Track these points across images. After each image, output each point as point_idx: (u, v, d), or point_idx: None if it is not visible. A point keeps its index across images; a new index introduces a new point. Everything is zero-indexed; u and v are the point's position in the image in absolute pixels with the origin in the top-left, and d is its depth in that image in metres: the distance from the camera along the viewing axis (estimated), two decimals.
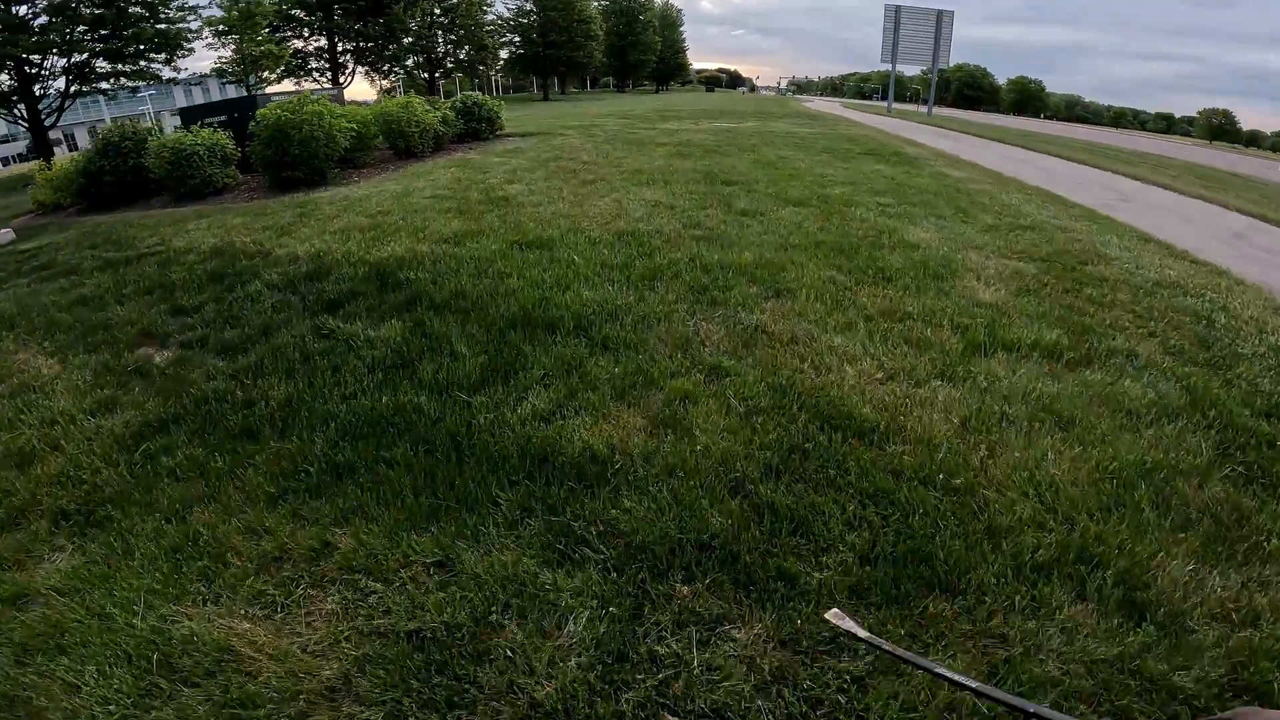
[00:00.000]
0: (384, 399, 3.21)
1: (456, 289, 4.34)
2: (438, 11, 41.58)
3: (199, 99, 37.87)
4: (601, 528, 2.33)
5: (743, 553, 2.15)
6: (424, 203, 6.81)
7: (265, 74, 23.43)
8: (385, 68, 35.24)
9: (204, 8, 21.53)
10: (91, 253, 6.29)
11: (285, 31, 31.34)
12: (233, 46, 21.88)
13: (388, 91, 67.51)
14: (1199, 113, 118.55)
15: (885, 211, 6.39)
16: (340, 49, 32.59)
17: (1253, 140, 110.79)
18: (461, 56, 42.00)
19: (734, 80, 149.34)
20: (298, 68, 31.75)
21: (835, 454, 2.64)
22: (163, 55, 21.74)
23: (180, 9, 21.05)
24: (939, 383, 3.23)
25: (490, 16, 45.94)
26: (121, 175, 9.33)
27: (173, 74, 23.28)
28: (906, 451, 2.66)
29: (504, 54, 50.72)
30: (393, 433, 2.97)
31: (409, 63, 40.22)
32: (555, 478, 2.60)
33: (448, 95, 55.38)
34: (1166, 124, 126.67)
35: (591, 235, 5.37)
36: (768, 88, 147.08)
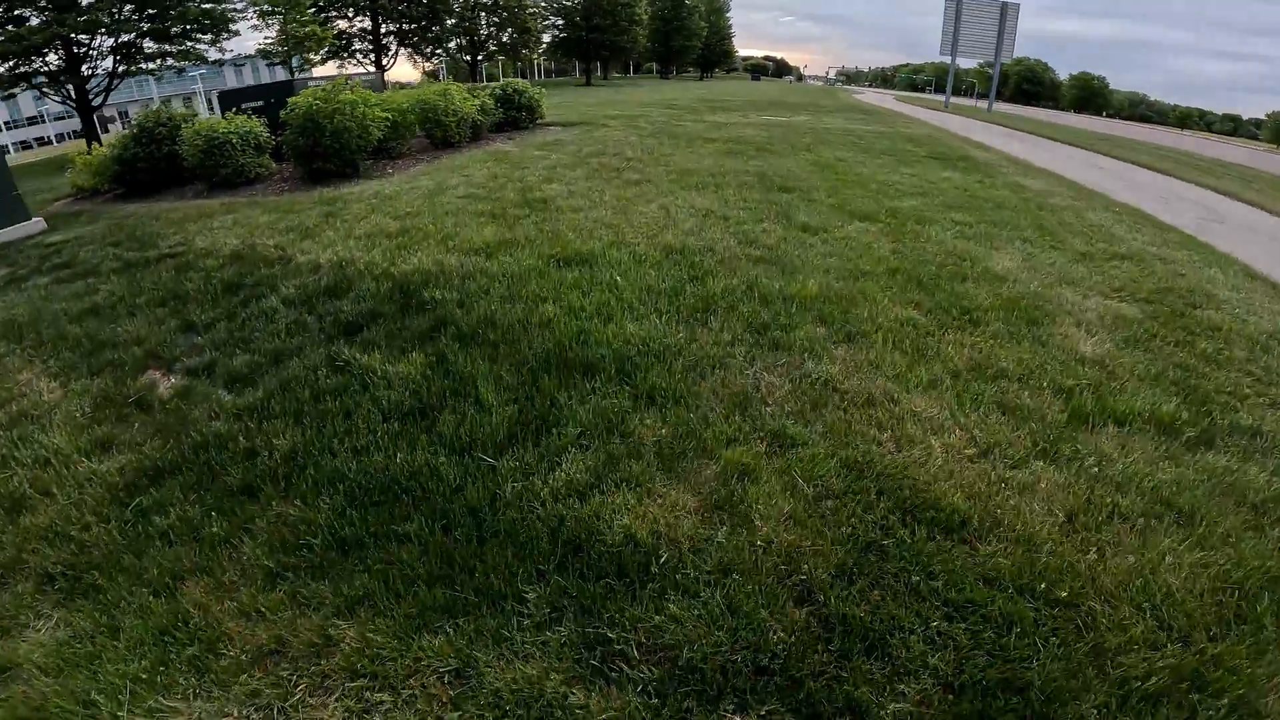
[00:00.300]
0: (399, 457, 2.80)
1: (485, 315, 3.89)
2: None
3: (249, 80, 38.33)
4: (643, 639, 1.97)
5: (807, 677, 1.84)
6: (456, 203, 6.39)
7: (309, 55, 23.33)
8: (428, 50, 35.06)
9: None
10: (113, 250, 6.02)
11: (330, 12, 31.36)
12: (277, 27, 21.82)
13: (431, 74, 67.81)
14: (1268, 115, 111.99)
15: (963, 232, 5.74)
16: (384, 30, 32.48)
17: None
18: (504, 39, 41.62)
19: (780, 69, 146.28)
20: (341, 49, 31.75)
21: (919, 553, 2.23)
22: (208, 36, 21.80)
23: None
24: (1040, 464, 2.72)
25: None
26: (156, 163, 9.11)
27: (218, 54, 23.39)
28: (1002, 552, 2.24)
29: (546, 37, 50.22)
30: (407, 501, 2.58)
31: (451, 45, 40.03)
32: (591, 571, 2.20)
33: (490, 78, 55.05)
34: (1233, 125, 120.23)
35: (637, 250, 4.87)
36: (815, 77, 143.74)
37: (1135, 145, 18.99)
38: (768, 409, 3.04)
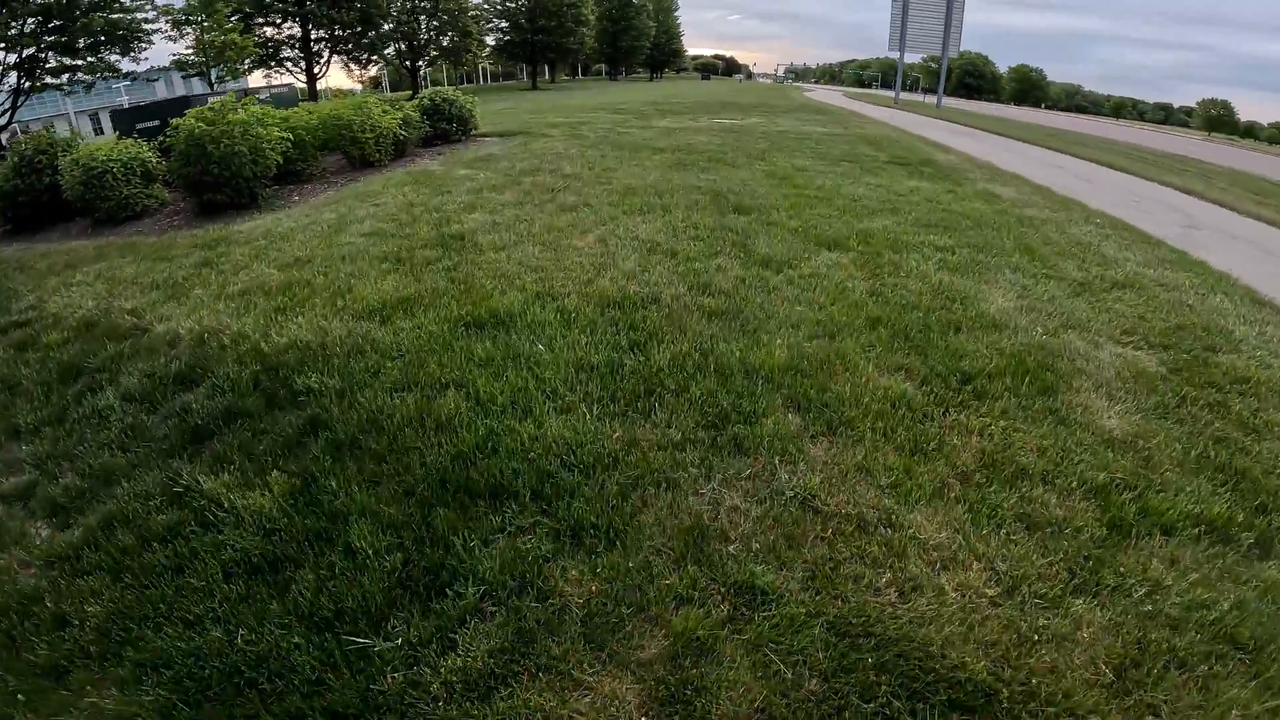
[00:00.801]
0: (241, 635, 2.03)
1: (370, 413, 3.03)
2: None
3: (180, 91, 36.02)
4: None
5: None
6: (358, 244, 5.46)
7: (230, 66, 21.80)
8: (364, 57, 33.53)
9: None
10: None
11: (257, 19, 29.66)
12: (192, 36, 20.26)
13: (372, 82, 65.57)
14: (1198, 103, 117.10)
15: (945, 261, 5.07)
16: (315, 37, 30.88)
17: (1249, 132, 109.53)
18: (445, 43, 40.20)
19: (730, 67, 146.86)
20: (268, 58, 30.06)
21: None
22: (116, 48, 20.14)
23: None
24: (1080, 601, 2.10)
25: (476, 0, 44.13)
26: (37, 195, 7.91)
27: (133, 66, 21.69)
28: None
29: (491, 40, 48.90)
30: (252, 698, 1.87)
31: (389, 51, 38.49)
32: None
33: (435, 83, 53.44)
34: (1164, 114, 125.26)
35: (566, 305, 4.05)
36: (765, 75, 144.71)
37: (1086, 140, 18.99)
38: (730, 547, 2.28)
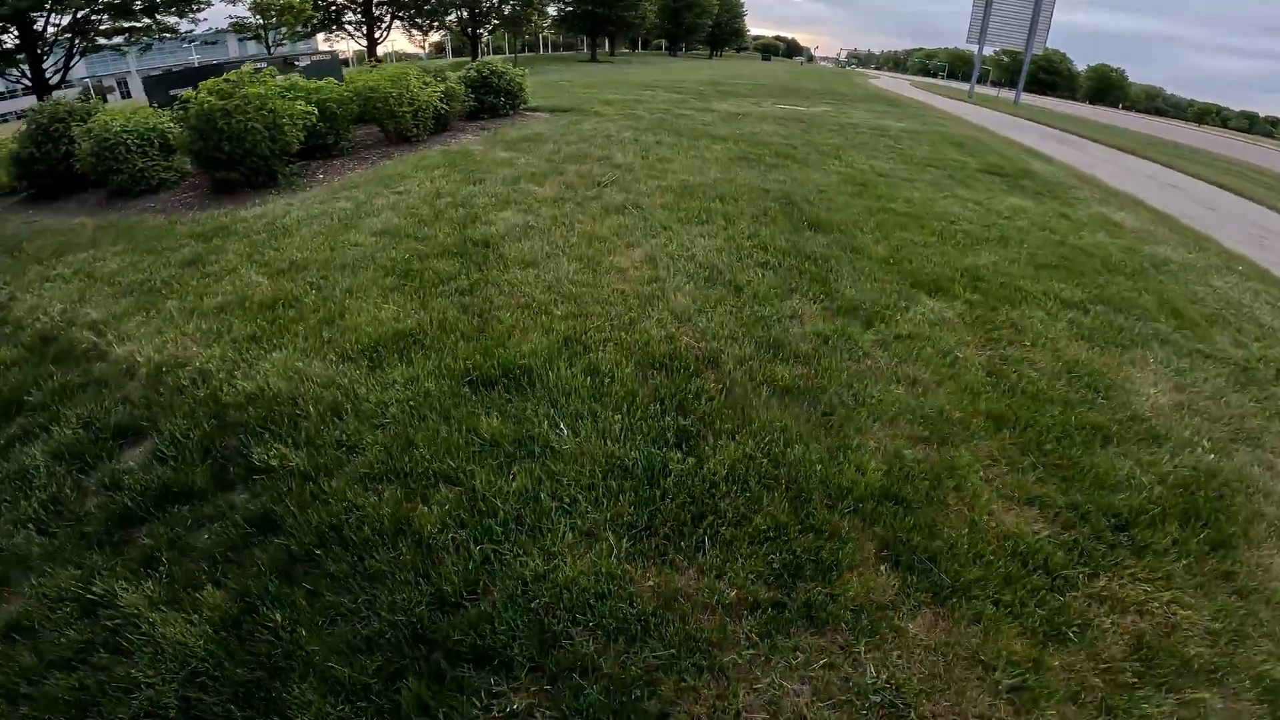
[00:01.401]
0: None
1: (336, 515, 2.21)
2: None
3: (253, 52, 35.84)
4: None
5: None
6: (367, 246, 4.60)
7: (286, 29, 21.17)
8: (424, 22, 32.67)
9: None
10: None
11: None
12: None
13: (436, 47, 64.76)
14: None
15: (1078, 325, 3.94)
16: (377, 1, 30.13)
17: None
18: (506, 12, 39.07)
19: (791, 49, 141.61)
20: (329, 21, 29.48)
21: None
22: (173, 9, 19.76)
23: None
24: None
25: None
26: (54, 164, 7.33)
27: (190, 27, 21.36)
28: None
29: (552, 10, 47.50)
30: None
31: (450, 17, 37.58)
32: None
33: (496, 50, 52.31)
34: (1249, 123, 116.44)
35: (600, 361, 3.11)
36: (826, 59, 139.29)
37: (1184, 152, 16.98)
38: None
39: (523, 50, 63.40)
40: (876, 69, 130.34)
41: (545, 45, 71.31)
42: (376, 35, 31.05)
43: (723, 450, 2.51)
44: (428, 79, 9.00)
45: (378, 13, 31.00)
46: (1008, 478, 2.58)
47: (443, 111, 8.94)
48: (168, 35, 20.15)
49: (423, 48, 39.13)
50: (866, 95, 21.13)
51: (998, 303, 4.11)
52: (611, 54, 57.93)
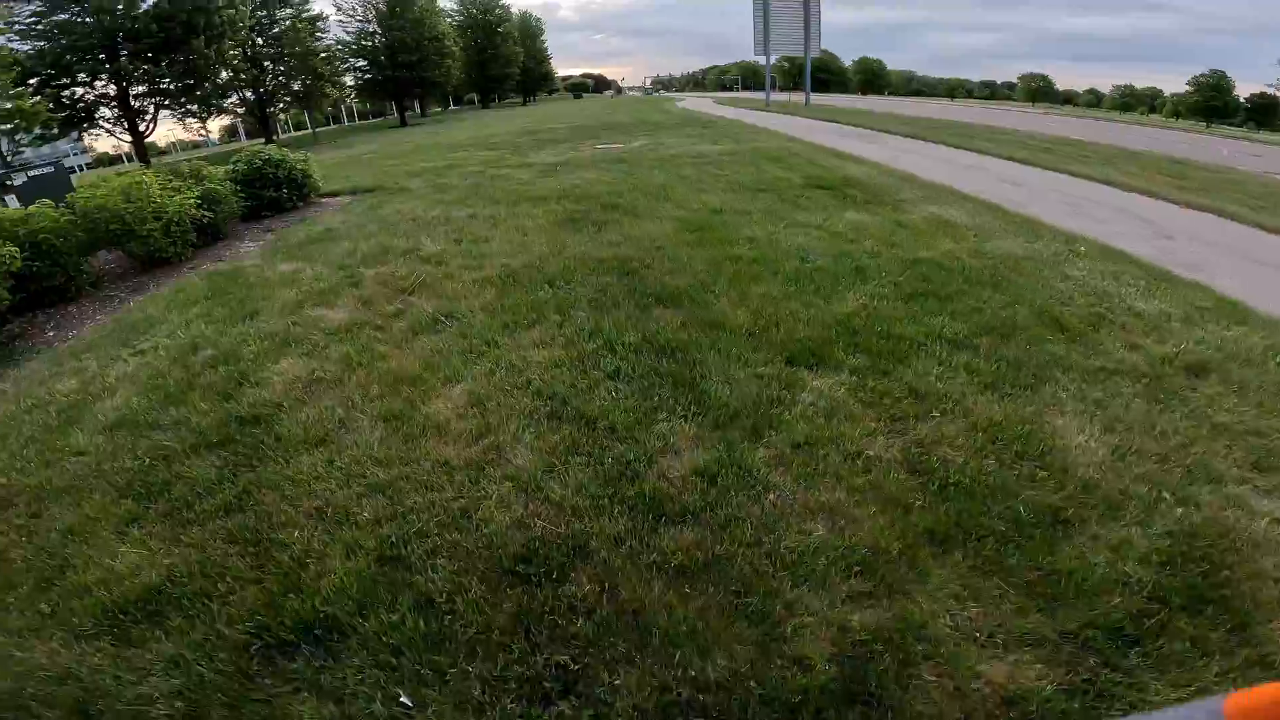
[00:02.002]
0: None
1: None
2: (260, 41, 35.64)
3: None
4: None
5: None
6: (93, 452, 3.13)
7: (21, 136, 17.68)
8: (200, 110, 29.22)
9: None
10: None
11: (60, 80, 24.96)
12: None
13: (227, 131, 58.98)
14: (1019, 79, 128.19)
15: (975, 371, 3.38)
16: (136, 93, 26.44)
17: (1068, 100, 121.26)
18: (296, 88, 36.15)
19: (600, 84, 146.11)
20: (78, 120, 25.43)
21: None
22: None
23: None
24: None
25: (328, 41, 40.21)
26: None
27: None
28: None
29: (349, 79, 44.91)
30: None
31: (232, 100, 34.12)
32: None
33: (298, 127, 48.41)
34: (990, 91, 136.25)
35: (431, 586, 2.02)
36: (634, 88, 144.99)
37: (961, 129, 18.60)
38: None
39: (328, 123, 59.66)
40: (680, 91, 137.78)
41: (352, 115, 67.77)
42: (142, 129, 27.28)
43: (622, 695, 1.52)
44: (176, 183, 7.33)
45: (139, 104, 27.26)
46: (981, 620, 1.89)
47: (206, 220, 7.30)
48: None
49: (201, 134, 35.22)
50: (678, 121, 21.38)
51: (886, 363, 3.47)
52: (423, 114, 56.01)
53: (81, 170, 44.73)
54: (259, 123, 37.90)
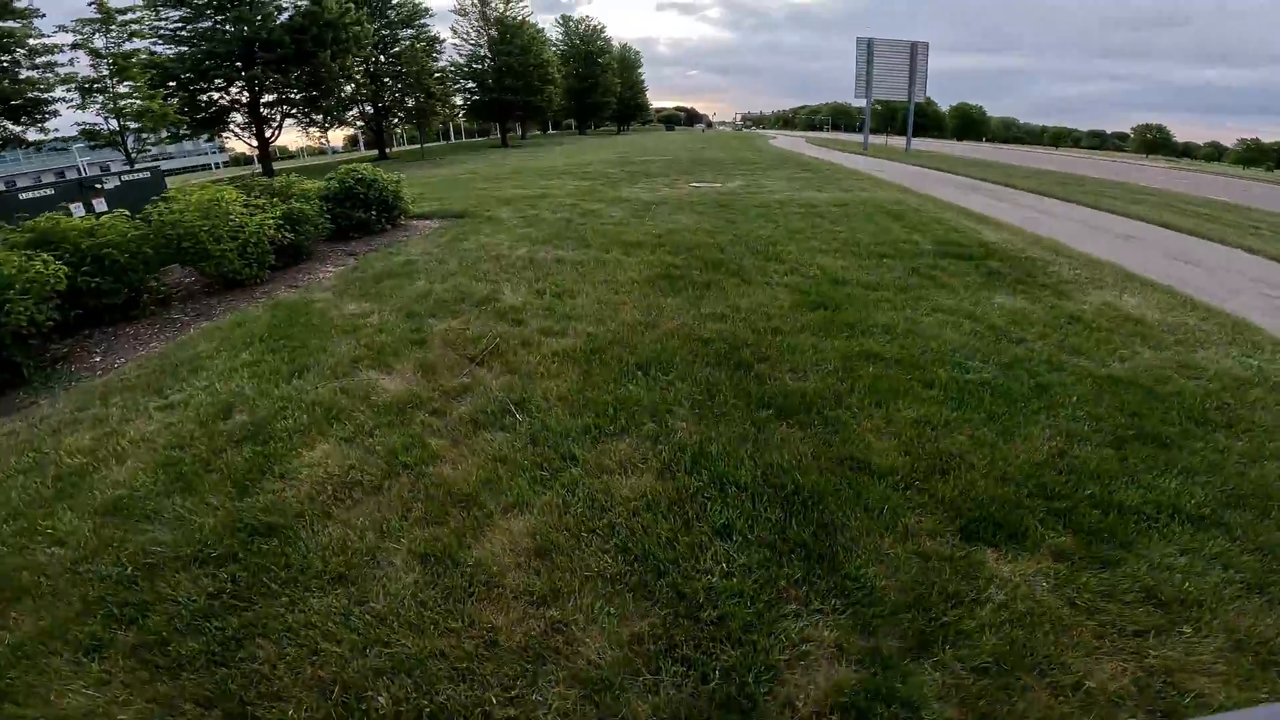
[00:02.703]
0: None
1: None
2: (382, 58, 37.29)
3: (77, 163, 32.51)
4: None
5: None
6: (75, 543, 2.43)
7: (149, 135, 18.63)
8: (322, 119, 30.61)
9: (62, 64, 16.92)
10: None
11: (198, 84, 26.63)
12: (97, 105, 17.15)
13: (350, 140, 62.25)
14: (1133, 129, 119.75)
15: (1226, 557, 2.24)
16: (265, 100, 27.93)
17: (1185, 152, 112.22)
18: (410, 105, 37.54)
19: (691, 118, 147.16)
20: (210, 122, 26.99)
21: None
22: (20, 117, 17.10)
23: (34, 64, 16.45)
24: None
25: (442, 63, 41.76)
26: None
27: (40, 136, 18.62)
28: None
29: (459, 100, 46.46)
30: None
31: (352, 113, 35.72)
32: None
33: (412, 141, 50.47)
34: (1099, 140, 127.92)
35: None
36: (724, 123, 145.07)
37: (1077, 182, 16.60)
38: None
39: (438, 139, 62.22)
40: (769, 128, 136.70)
41: (459, 133, 70.53)
42: (268, 135, 28.72)
43: None
44: (261, 200, 6.92)
45: (267, 112, 28.76)
46: None
47: (288, 240, 6.84)
48: (10, 146, 17.40)
49: (319, 144, 36.97)
50: (775, 160, 20.34)
51: (1103, 546, 2.36)
52: (523, 137, 57.43)
53: (219, 167, 48.26)
54: (375, 135, 39.55)
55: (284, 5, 27.35)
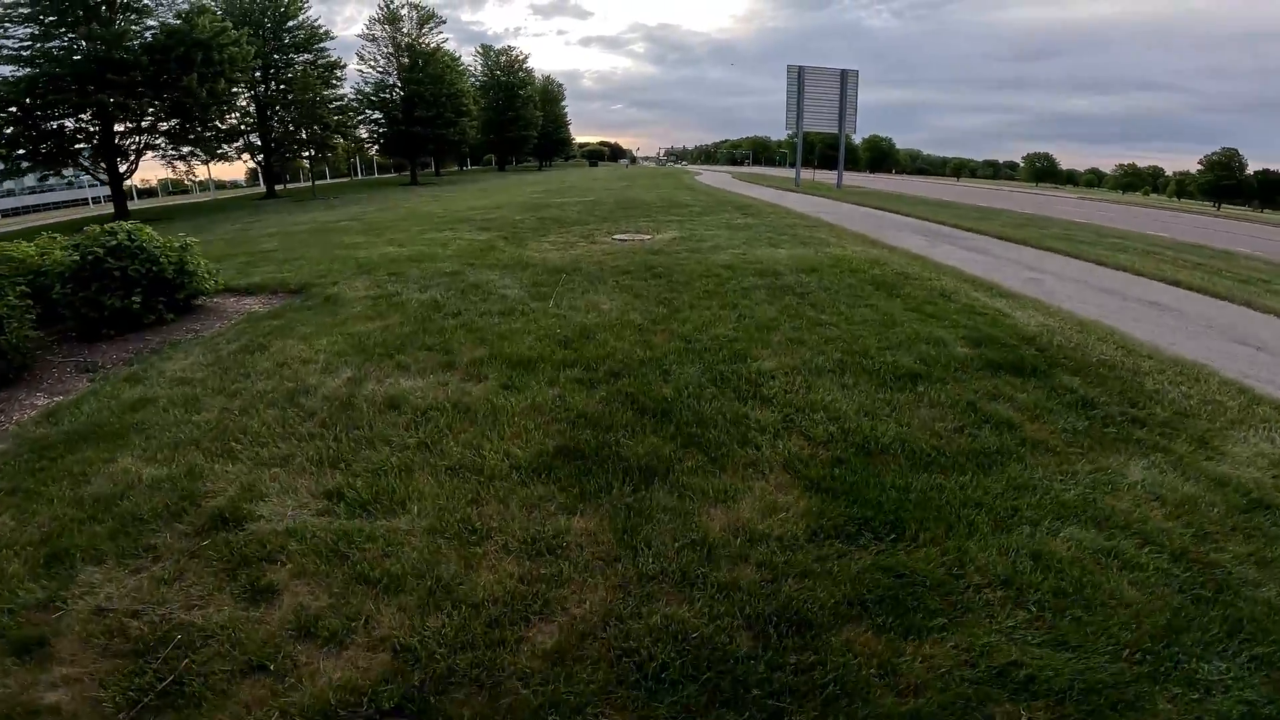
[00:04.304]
0: None
1: None
2: (275, 86, 33.43)
3: None
4: None
5: None
6: None
7: None
8: (188, 153, 26.46)
9: None
10: None
11: (40, 112, 22.23)
12: None
13: (250, 174, 56.57)
14: (1023, 158, 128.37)
15: None
16: (119, 129, 23.65)
17: (1070, 179, 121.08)
18: (303, 137, 33.64)
19: (615, 153, 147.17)
20: (50, 157, 22.55)
21: None
22: None
23: None
24: None
25: (344, 91, 38.14)
26: None
27: None
28: None
29: (363, 132, 42.75)
30: None
31: (237, 144, 31.53)
32: None
33: (319, 177, 46.03)
34: (994, 170, 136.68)
35: None
36: (647, 158, 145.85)
37: (1037, 223, 15.38)
38: None
39: (349, 174, 57.65)
40: (692, 163, 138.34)
41: (372, 168, 66.20)
42: (122, 170, 24.41)
43: None
44: None
45: (126, 144, 24.45)
46: None
47: None
48: None
49: (187, 178, 32.52)
50: (708, 200, 18.34)
51: None
52: (437, 173, 54.02)
53: (98, 202, 42.01)
54: (263, 172, 35.40)
55: (150, 23, 23.55)
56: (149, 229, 6.06)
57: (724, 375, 4.16)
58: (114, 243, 5.76)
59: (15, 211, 51.33)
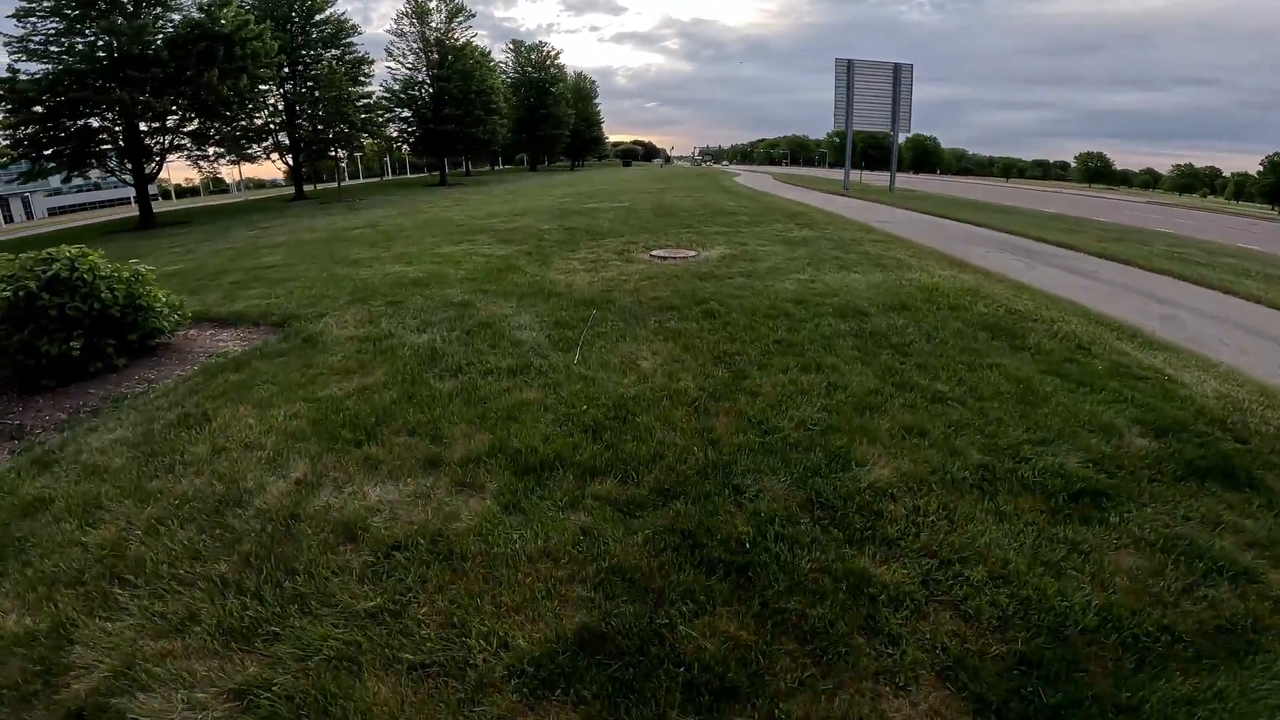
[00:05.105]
0: None
1: None
2: (304, 85, 33.14)
3: None
4: None
5: None
6: None
7: None
8: (211, 152, 26.16)
9: None
10: None
11: (64, 111, 22.06)
12: None
13: (287, 173, 56.95)
14: (1075, 158, 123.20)
15: None
16: (145, 129, 23.37)
17: (1124, 180, 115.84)
18: (330, 136, 33.25)
19: (649, 152, 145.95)
20: (73, 154, 22.33)
21: None
22: None
23: None
24: None
25: (372, 88, 37.74)
26: None
27: None
28: None
29: (393, 131, 42.40)
30: None
31: (266, 144, 31.25)
32: None
33: (353, 177, 45.89)
34: (1043, 170, 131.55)
35: None
36: (682, 158, 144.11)
37: (1118, 234, 13.68)
38: None
39: (382, 174, 57.69)
40: (728, 162, 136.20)
41: (400, 167, 66.33)
42: (147, 170, 24.16)
43: None
44: None
45: (153, 143, 24.19)
46: None
47: None
48: None
49: (222, 178, 32.39)
50: (754, 206, 17.03)
51: None
52: (467, 173, 53.59)
53: (134, 201, 42.40)
54: (291, 172, 35.19)
55: (173, 17, 23.21)
56: (96, 254, 5.08)
57: (822, 495, 2.92)
58: (49, 273, 4.80)
59: (62, 210, 52.48)
